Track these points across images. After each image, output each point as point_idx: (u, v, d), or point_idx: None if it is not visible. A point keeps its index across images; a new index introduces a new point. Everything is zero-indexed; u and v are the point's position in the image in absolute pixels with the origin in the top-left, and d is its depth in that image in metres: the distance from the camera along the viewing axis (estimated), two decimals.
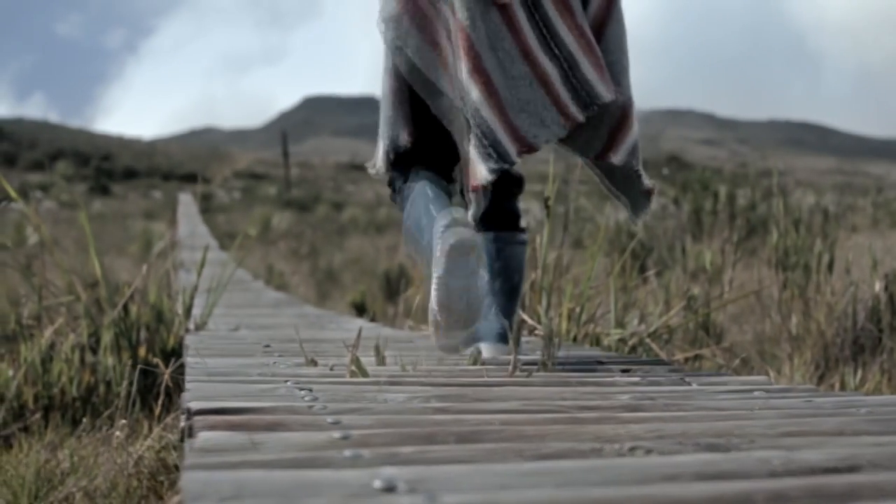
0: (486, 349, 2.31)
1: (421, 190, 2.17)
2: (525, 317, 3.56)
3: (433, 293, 1.98)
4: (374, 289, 10.24)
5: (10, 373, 3.30)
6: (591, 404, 1.58)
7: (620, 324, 3.65)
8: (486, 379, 1.95)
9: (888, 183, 19.59)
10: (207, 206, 25.00)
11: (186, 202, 28.23)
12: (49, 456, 2.52)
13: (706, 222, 11.23)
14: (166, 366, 3.44)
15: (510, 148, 2.11)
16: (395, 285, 9.96)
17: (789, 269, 5.24)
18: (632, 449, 1.13)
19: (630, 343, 3.57)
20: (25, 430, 3.07)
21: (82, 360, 3.42)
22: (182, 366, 3.31)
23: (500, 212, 2.38)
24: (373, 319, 7.11)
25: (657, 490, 0.93)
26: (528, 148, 2.13)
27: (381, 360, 2.20)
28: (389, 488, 0.91)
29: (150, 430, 2.91)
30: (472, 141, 2.10)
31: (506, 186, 2.35)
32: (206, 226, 19.40)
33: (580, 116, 2.15)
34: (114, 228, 17.65)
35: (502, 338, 2.33)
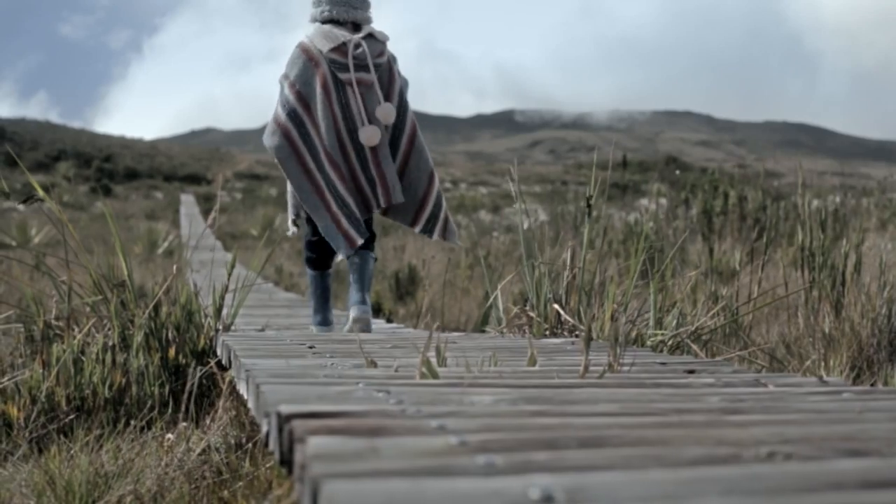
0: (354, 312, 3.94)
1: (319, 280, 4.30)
2: (566, 316, 3.50)
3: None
4: (383, 289, 10.17)
5: (40, 372, 3.24)
6: (686, 407, 1.52)
7: (659, 324, 3.59)
8: (558, 380, 1.90)
9: (889, 184, 19.54)
10: (210, 207, 24.89)
11: (188, 203, 28.15)
12: (92, 458, 2.46)
13: (716, 223, 11.17)
14: (197, 366, 3.38)
15: (344, 246, 3.92)
16: (405, 286, 9.88)
17: (815, 269, 5.18)
18: (770, 454, 1.07)
19: (670, 343, 3.52)
20: (62, 433, 3.00)
21: (113, 361, 3.36)
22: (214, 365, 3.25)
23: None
24: (389, 320, 7.05)
25: (828, 500, 0.87)
26: (353, 243, 3.92)
27: (442, 361, 2.15)
28: (548, 498, 0.85)
29: (189, 431, 2.84)
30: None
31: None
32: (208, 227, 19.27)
33: (377, 211, 4.03)
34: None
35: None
